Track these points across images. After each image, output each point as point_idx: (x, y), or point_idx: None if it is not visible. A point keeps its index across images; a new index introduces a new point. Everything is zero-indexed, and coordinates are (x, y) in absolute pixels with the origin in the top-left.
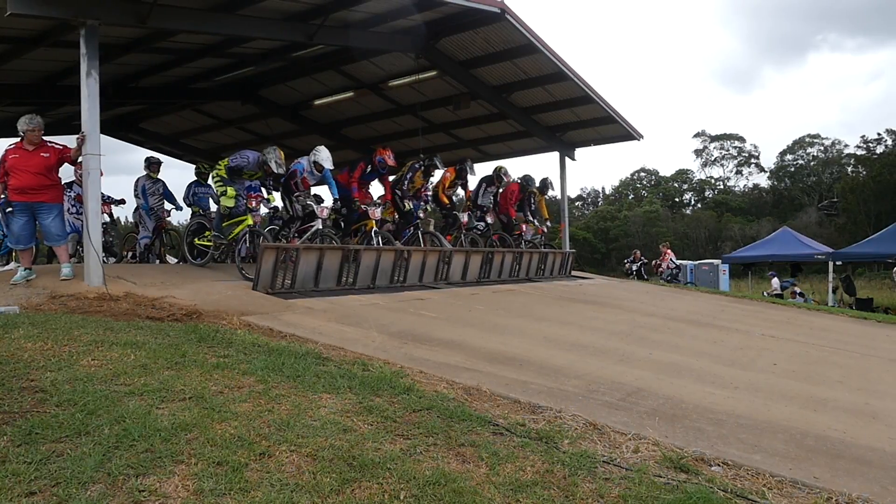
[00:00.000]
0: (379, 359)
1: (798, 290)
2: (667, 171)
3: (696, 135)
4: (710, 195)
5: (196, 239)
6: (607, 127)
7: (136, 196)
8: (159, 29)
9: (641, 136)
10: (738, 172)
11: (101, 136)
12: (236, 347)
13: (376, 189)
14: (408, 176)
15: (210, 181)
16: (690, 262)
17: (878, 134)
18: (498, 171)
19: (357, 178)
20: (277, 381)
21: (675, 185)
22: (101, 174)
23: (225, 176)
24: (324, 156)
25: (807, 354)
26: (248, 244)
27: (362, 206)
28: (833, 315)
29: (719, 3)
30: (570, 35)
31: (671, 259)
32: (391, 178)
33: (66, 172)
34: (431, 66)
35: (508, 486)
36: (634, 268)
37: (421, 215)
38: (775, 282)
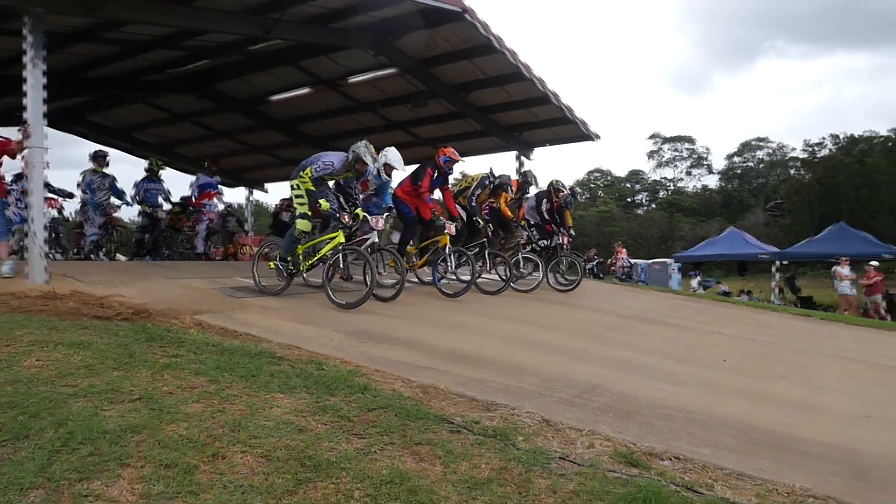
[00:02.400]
0: (335, 358)
1: (724, 287)
2: (621, 171)
3: (650, 136)
4: (663, 195)
5: (270, 262)
6: (564, 127)
7: (81, 191)
8: (110, 19)
9: (598, 137)
10: (690, 174)
11: (47, 128)
12: (188, 347)
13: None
14: (476, 192)
15: (293, 197)
16: (643, 261)
17: (821, 138)
18: (554, 184)
19: (428, 187)
20: (230, 381)
21: (629, 185)
22: (48, 168)
23: (311, 188)
24: (394, 156)
25: (754, 351)
26: (340, 265)
27: (437, 221)
28: (778, 313)
29: (675, 8)
30: (528, 35)
31: (625, 258)
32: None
33: (16, 165)
34: (391, 64)
35: (464, 484)
36: (589, 266)
37: (489, 234)
38: (696, 281)
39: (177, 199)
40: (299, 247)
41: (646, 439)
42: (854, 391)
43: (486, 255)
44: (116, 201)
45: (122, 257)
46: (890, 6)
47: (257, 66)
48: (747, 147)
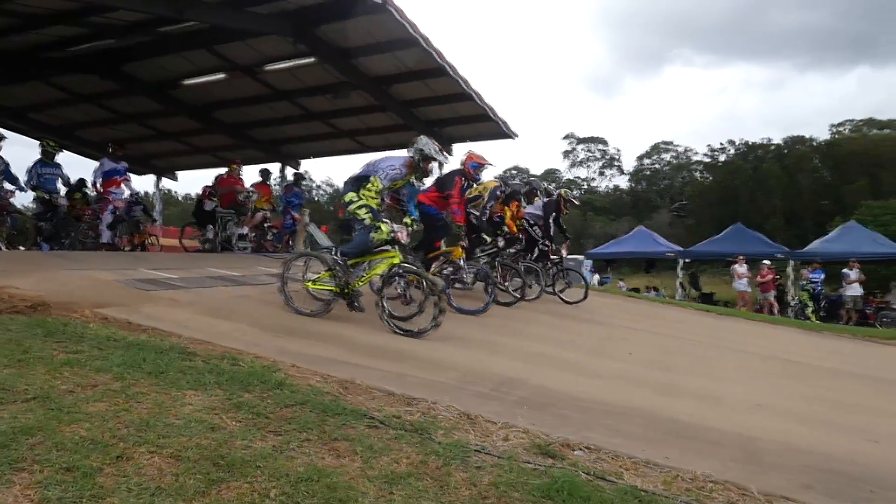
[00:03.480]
0: (250, 353)
1: (623, 284)
2: (538, 169)
3: (565, 136)
4: (577, 194)
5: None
6: (484, 125)
7: None
8: None
9: (516, 135)
10: (602, 174)
11: None
12: (89, 342)
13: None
14: (489, 204)
15: (351, 208)
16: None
17: (722, 144)
18: (564, 195)
19: (459, 197)
20: (136, 378)
21: (545, 183)
22: None
23: (377, 205)
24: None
25: (660, 345)
26: (400, 289)
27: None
28: (682, 308)
29: (590, 13)
30: (449, 32)
31: None
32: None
33: None
34: (311, 53)
35: (383, 479)
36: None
37: (500, 244)
38: (594, 278)
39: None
40: (355, 260)
41: (561, 430)
42: (749, 382)
43: (499, 266)
44: (9, 186)
45: (20, 247)
46: (782, 25)
47: (169, 49)
48: (655, 150)
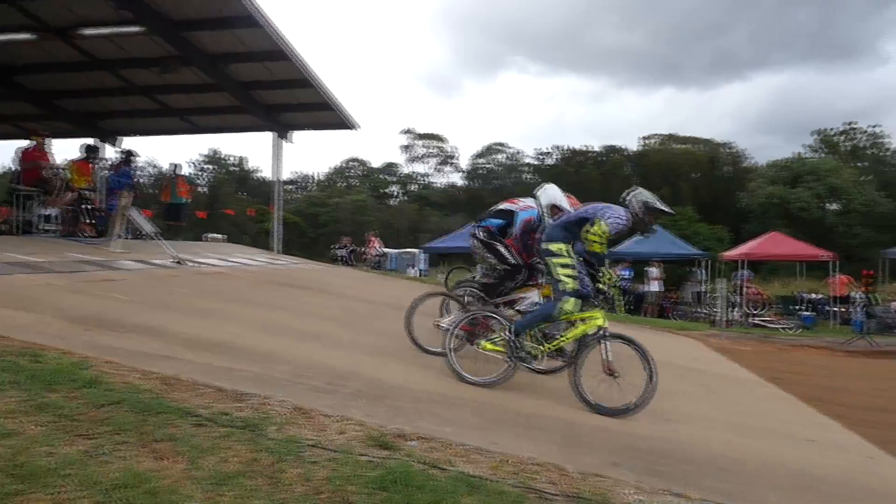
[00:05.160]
0: (55, 348)
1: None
2: (377, 162)
3: (405, 131)
4: (414, 189)
5: (488, 343)
6: (325, 113)
7: None
8: None
9: (358, 126)
10: (439, 170)
11: None
12: None
13: None
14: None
15: (552, 260)
16: (394, 250)
17: (548, 149)
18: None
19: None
20: None
21: (384, 177)
22: None
23: (600, 239)
24: (557, 193)
25: None
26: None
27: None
28: None
29: (432, 12)
30: (293, 16)
31: (377, 247)
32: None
33: None
34: (137, 21)
35: (210, 480)
36: (343, 254)
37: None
38: (413, 271)
39: None
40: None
41: (395, 421)
42: None
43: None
44: None
45: None
46: (605, 44)
47: None
48: (489, 150)
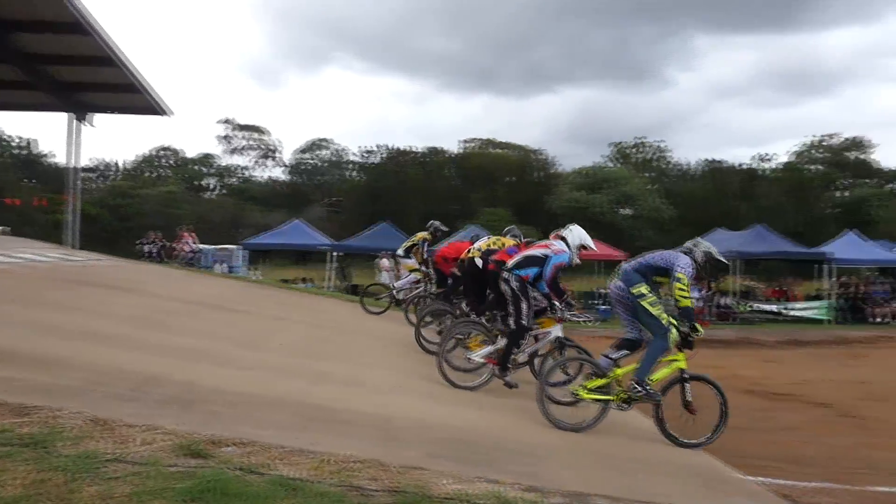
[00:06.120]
0: None
1: (259, 275)
2: (192, 152)
3: (223, 121)
4: (233, 182)
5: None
6: (133, 96)
7: None
8: None
9: (171, 113)
10: (260, 164)
11: None
12: None
13: None
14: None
15: (643, 301)
16: (210, 246)
17: (373, 147)
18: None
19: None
20: None
21: (199, 168)
22: None
23: (688, 292)
24: (583, 234)
25: (310, 334)
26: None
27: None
28: (332, 298)
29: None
30: None
31: (190, 242)
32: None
33: None
34: None
35: None
36: (150, 250)
37: None
38: (221, 268)
39: None
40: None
41: (209, 428)
42: (390, 366)
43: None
44: None
45: None
46: (427, 47)
47: None
48: (314, 146)
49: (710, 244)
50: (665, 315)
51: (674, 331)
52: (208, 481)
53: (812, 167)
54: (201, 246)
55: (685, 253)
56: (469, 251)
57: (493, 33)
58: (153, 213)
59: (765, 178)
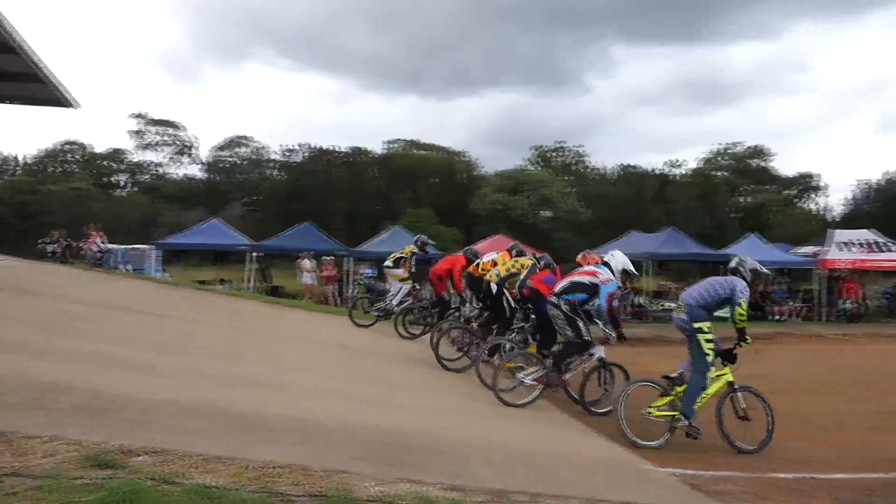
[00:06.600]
0: None
1: (167, 275)
2: (100, 147)
3: (135, 116)
4: (146, 179)
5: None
6: (33, 86)
7: None
8: None
9: (77, 105)
10: (175, 160)
11: None
12: None
13: None
14: (527, 281)
15: (700, 336)
16: (121, 246)
17: (295, 146)
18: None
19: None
20: None
21: (109, 164)
22: None
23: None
24: (625, 259)
25: (229, 337)
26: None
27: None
28: (251, 300)
29: None
30: None
31: (98, 242)
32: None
33: None
34: None
35: None
36: (54, 249)
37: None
38: (124, 267)
39: None
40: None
41: (121, 437)
42: (312, 368)
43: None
44: None
45: None
46: (352, 46)
47: None
48: (233, 143)
49: (751, 259)
50: (712, 356)
51: (713, 369)
52: (120, 493)
53: (718, 173)
54: (110, 245)
55: (735, 273)
56: (478, 266)
57: (420, 35)
58: (60, 211)
59: (676, 183)
